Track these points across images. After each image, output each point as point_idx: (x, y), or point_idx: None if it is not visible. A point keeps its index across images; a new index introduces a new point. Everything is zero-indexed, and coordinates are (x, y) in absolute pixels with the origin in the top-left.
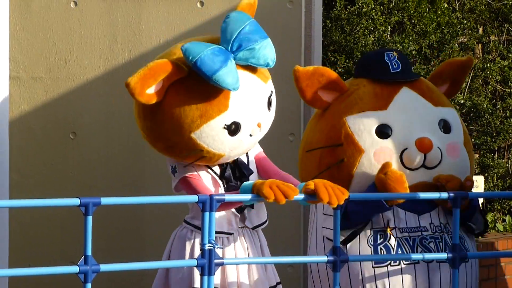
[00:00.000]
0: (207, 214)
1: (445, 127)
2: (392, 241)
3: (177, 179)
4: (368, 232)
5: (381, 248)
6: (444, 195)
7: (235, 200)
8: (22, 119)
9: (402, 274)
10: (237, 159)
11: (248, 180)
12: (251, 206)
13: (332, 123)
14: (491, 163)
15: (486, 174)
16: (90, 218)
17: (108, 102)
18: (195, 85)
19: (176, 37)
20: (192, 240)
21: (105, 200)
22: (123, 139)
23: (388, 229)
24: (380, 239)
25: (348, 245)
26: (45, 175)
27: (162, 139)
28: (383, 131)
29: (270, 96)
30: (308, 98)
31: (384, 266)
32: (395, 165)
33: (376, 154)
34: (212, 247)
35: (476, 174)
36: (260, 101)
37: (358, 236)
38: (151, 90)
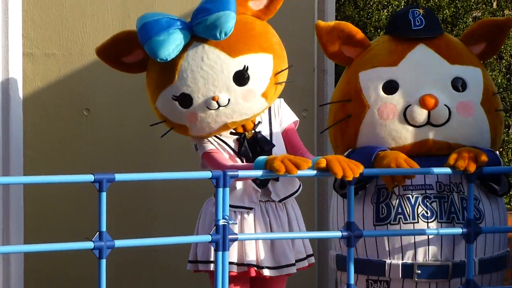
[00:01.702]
0: (220, 190)
1: (459, 85)
2: (393, 199)
3: (200, 156)
4: (372, 189)
5: (382, 207)
6: (460, 171)
7: (248, 176)
8: (36, 96)
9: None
10: (256, 134)
11: (271, 152)
12: (276, 179)
13: (348, 78)
14: (506, 138)
15: (501, 149)
16: (104, 194)
17: (121, 78)
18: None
19: (189, 12)
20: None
21: (119, 177)
22: (136, 115)
23: (390, 187)
24: (382, 197)
25: (355, 202)
26: (59, 151)
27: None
28: (390, 87)
29: (243, 70)
30: (328, 53)
31: (384, 225)
32: (399, 122)
33: (379, 110)
34: (226, 223)
35: None
36: (218, 75)
37: (364, 192)
38: (127, 59)
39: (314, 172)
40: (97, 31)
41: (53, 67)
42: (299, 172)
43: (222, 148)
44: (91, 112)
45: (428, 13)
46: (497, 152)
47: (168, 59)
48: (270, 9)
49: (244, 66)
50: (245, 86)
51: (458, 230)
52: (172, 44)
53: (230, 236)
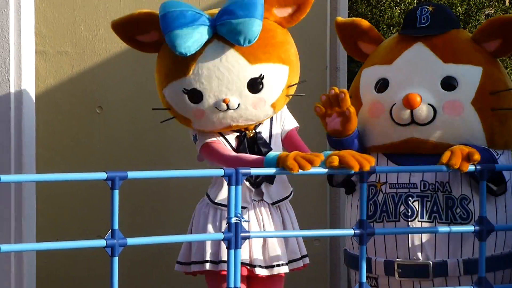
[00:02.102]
0: (233, 187)
1: (449, 84)
2: (380, 197)
3: (199, 147)
4: (366, 186)
5: (370, 204)
6: (471, 168)
7: (260, 173)
8: (48, 94)
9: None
10: (256, 134)
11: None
12: (270, 182)
13: (357, 75)
14: None
15: None
16: (117, 192)
17: (134, 76)
18: None
19: (203, 9)
20: (211, 217)
21: (131, 174)
22: (149, 112)
23: (378, 184)
24: (371, 194)
25: (353, 198)
26: (71, 149)
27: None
28: (381, 86)
29: (258, 78)
30: (346, 49)
31: (371, 222)
32: (386, 120)
33: (370, 108)
34: (238, 221)
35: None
36: (233, 79)
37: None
38: (141, 38)
39: (326, 170)
40: (110, 29)
41: (66, 65)
42: (313, 170)
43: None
44: (104, 110)
45: (438, 10)
46: (507, 151)
47: (188, 54)
48: (294, 18)
49: (260, 74)
50: (257, 94)
51: (470, 228)
52: (193, 40)
53: (242, 234)
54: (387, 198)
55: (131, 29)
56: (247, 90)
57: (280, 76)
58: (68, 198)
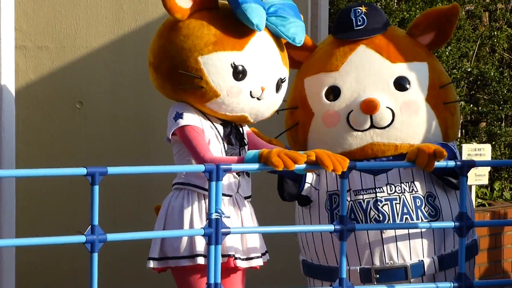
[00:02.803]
0: (213, 183)
1: (402, 84)
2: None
3: (178, 126)
4: (324, 195)
5: (336, 213)
6: (451, 163)
7: (242, 169)
8: (28, 89)
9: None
10: (237, 127)
11: (245, 149)
12: (247, 175)
13: (295, 84)
14: (499, 131)
15: (494, 143)
16: (96, 188)
17: (114, 70)
18: (221, 17)
19: None
20: (190, 208)
21: (111, 170)
22: (130, 107)
23: None
24: (335, 203)
25: (311, 210)
26: (51, 144)
27: (169, 58)
28: (332, 94)
29: (281, 80)
30: None
31: None
32: (343, 128)
33: (324, 117)
34: (219, 216)
35: (483, 142)
36: (272, 72)
37: (318, 198)
38: (183, 3)
39: (303, 166)
40: (90, 24)
41: (46, 60)
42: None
43: (209, 127)
44: (84, 105)
45: (371, 10)
46: (454, 143)
47: (260, 30)
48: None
49: (284, 77)
50: (277, 94)
51: (450, 224)
52: (264, 17)
53: (222, 230)
54: (354, 205)
55: None
56: (275, 87)
57: (286, 85)
58: (49, 194)
